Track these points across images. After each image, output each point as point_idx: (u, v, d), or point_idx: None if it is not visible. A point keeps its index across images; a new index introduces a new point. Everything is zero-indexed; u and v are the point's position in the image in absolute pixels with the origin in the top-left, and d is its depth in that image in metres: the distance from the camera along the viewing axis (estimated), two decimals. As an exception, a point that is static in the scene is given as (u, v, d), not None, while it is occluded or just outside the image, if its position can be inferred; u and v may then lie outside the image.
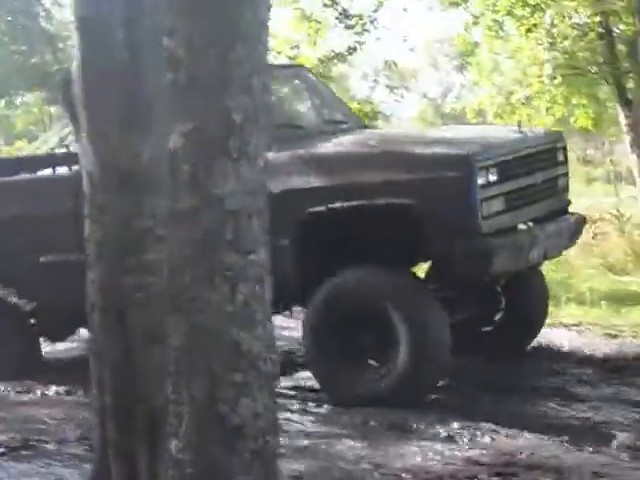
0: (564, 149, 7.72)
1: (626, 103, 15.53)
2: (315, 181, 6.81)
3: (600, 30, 14.87)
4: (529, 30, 14.01)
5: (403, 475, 5.18)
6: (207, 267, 3.68)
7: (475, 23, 14.82)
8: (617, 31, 15.42)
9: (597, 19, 14.68)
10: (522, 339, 8.05)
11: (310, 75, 8.93)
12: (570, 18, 14.43)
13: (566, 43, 14.40)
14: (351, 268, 6.70)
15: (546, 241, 7.12)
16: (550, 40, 13.95)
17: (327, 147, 7.20)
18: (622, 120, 15.69)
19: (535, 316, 8.09)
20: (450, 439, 5.89)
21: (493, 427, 6.03)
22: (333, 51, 15.07)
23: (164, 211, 3.78)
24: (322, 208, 6.74)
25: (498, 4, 14.38)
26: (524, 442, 5.76)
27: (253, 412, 3.77)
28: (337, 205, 6.70)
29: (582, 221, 7.90)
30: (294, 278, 6.84)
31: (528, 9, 14.18)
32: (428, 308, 6.66)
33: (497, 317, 7.93)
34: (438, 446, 5.70)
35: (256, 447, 3.78)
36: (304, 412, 6.67)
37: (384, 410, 6.39)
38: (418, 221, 6.51)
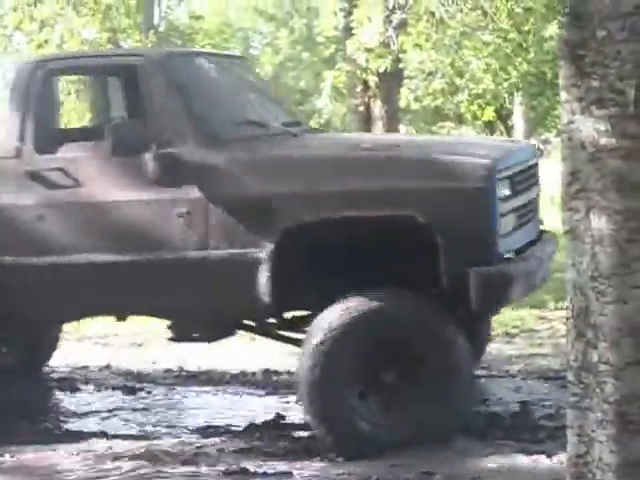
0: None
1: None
2: (305, 187, 5.73)
3: (110, 46, 14.64)
4: (40, 46, 13.42)
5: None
6: None
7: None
8: (126, 46, 15.29)
9: (107, 35, 14.47)
10: None
11: (251, 69, 7.77)
12: (80, 34, 14.03)
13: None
14: (362, 289, 5.65)
15: (544, 264, 6.28)
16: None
17: (309, 149, 6.16)
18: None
19: None
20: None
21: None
22: None
23: None
24: (313, 218, 5.69)
25: (5, 19, 13.72)
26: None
27: None
28: (332, 215, 5.64)
29: (557, 239, 7.12)
30: (271, 297, 5.77)
31: (36, 24, 13.60)
32: (455, 333, 5.70)
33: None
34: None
35: None
36: None
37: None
38: (426, 237, 5.53)
